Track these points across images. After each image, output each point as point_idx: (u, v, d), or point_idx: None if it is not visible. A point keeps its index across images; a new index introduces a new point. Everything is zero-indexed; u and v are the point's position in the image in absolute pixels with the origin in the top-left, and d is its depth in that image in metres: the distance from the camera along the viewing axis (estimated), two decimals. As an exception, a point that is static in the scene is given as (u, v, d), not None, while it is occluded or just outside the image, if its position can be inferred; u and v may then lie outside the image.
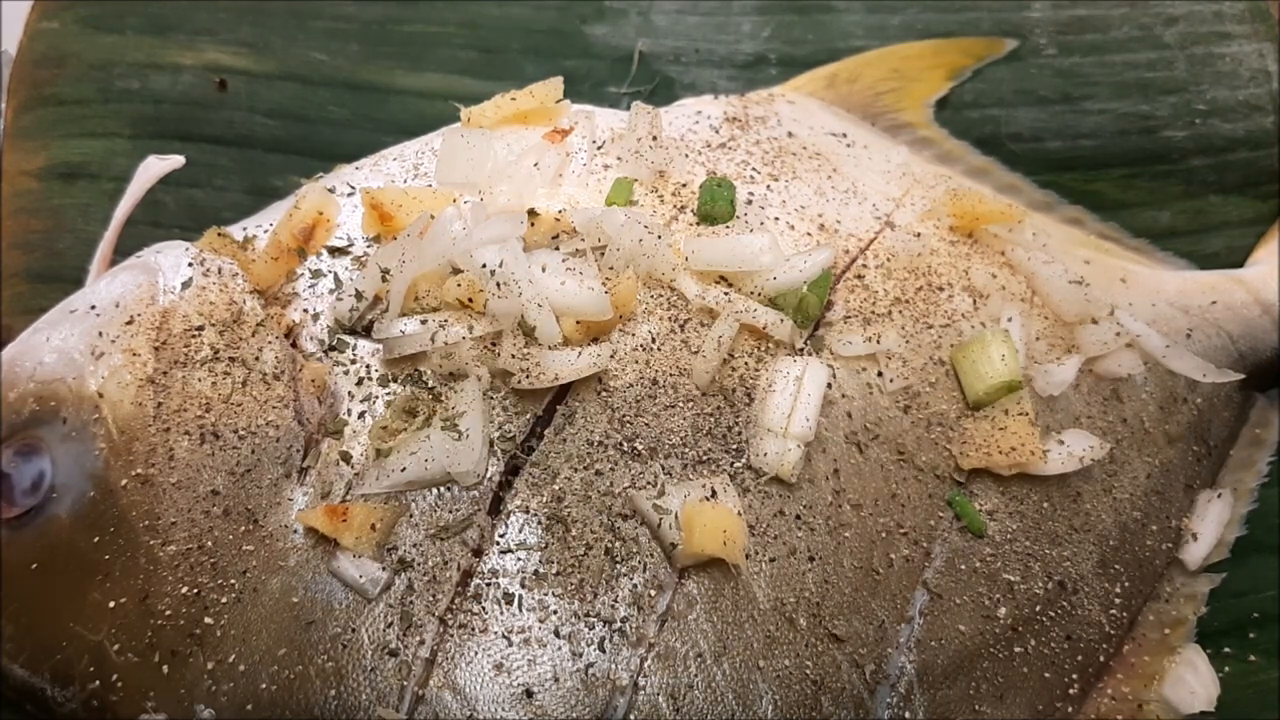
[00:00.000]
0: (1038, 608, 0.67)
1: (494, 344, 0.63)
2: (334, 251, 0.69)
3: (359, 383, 0.64)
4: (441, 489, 0.62)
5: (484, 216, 0.65)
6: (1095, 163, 0.96)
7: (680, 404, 0.64)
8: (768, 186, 0.75)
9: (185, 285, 0.66)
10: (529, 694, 0.58)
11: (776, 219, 0.73)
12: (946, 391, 0.69)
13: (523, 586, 0.60)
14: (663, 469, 0.63)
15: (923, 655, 0.64)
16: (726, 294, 0.66)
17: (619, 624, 0.60)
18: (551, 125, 0.74)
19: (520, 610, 0.60)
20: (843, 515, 0.64)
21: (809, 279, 0.67)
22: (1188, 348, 0.77)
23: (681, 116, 0.81)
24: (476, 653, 0.59)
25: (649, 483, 0.62)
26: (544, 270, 0.63)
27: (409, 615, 0.59)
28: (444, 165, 0.71)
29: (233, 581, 0.60)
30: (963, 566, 0.66)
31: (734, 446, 0.64)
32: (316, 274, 0.69)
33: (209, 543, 0.60)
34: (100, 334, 0.64)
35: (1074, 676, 0.67)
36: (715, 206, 0.70)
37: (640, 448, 0.63)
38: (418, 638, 0.59)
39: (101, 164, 0.89)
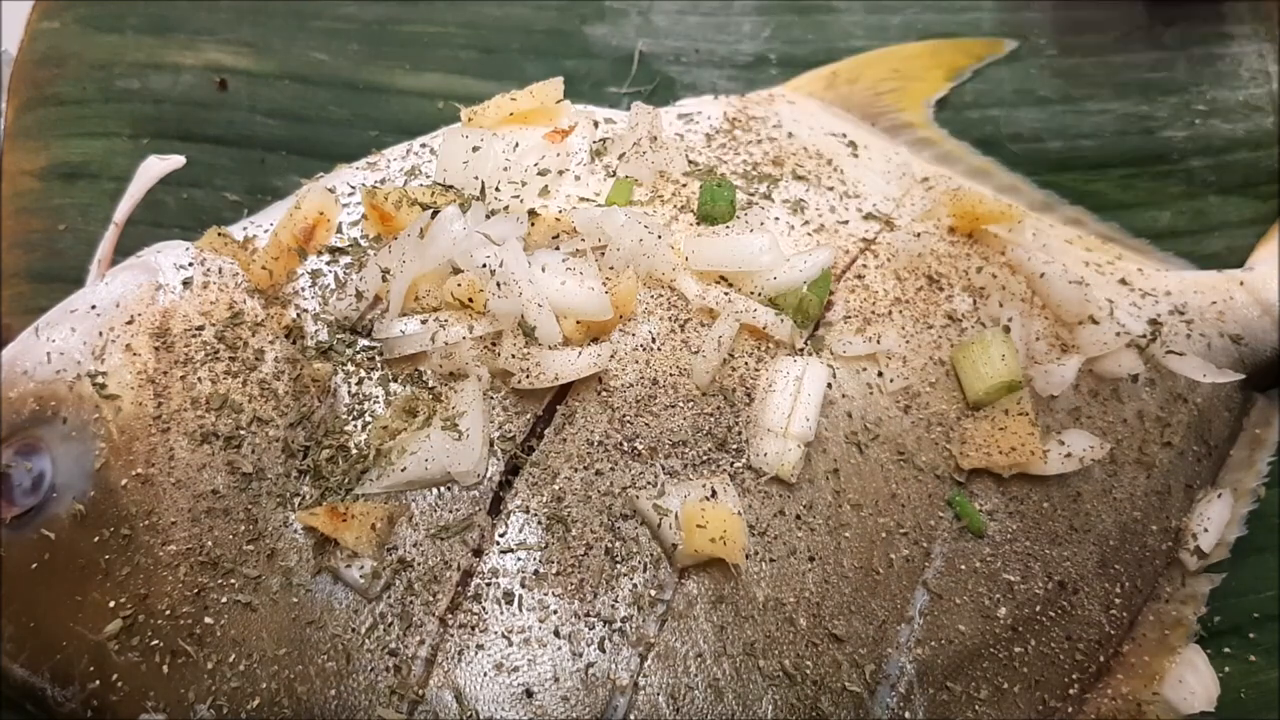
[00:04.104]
0: (1038, 608, 0.67)
1: (494, 344, 0.63)
2: (334, 251, 0.69)
3: (359, 383, 0.64)
4: (441, 489, 0.62)
5: (484, 216, 0.66)
6: (1095, 163, 0.96)
7: (680, 404, 0.64)
8: (768, 186, 0.75)
9: (186, 285, 0.66)
10: (529, 694, 0.58)
11: (776, 219, 0.73)
12: (946, 391, 0.69)
13: (523, 586, 0.60)
14: (663, 469, 0.63)
15: (923, 655, 0.64)
16: (726, 294, 0.66)
17: (619, 624, 0.60)
18: (551, 125, 0.74)
19: (520, 610, 0.60)
20: (843, 515, 0.64)
21: (809, 279, 0.67)
22: (1188, 348, 0.77)
23: (681, 116, 0.81)
24: (476, 652, 0.59)
25: (649, 483, 0.62)
26: (544, 270, 0.63)
27: (409, 615, 0.59)
28: (444, 165, 0.71)
29: (233, 581, 0.60)
30: (963, 566, 0.66)
31: (734, 446, 0.64)
32: (316, 274, 0.68)
33: (209, 542, 0.60)
34: (100, 334, 0.64)
35: (1074, 677, 0.67)
36: (715, 206, 0.70)
37: (640, 448, 0.63)
38: (418, 638, 0.59)
39: (101, 164, 0.89)
